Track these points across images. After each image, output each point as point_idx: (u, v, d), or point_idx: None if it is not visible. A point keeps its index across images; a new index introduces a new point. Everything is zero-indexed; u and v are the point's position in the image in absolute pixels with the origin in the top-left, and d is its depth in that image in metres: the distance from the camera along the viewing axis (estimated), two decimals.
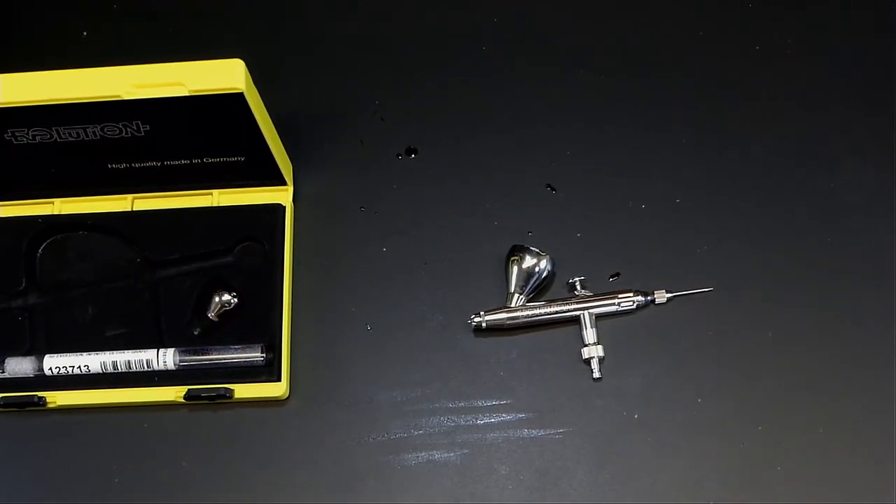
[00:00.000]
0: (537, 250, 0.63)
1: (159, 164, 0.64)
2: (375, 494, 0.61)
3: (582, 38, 0.71)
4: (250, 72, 0.56)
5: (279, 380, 0.62)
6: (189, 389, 0.62)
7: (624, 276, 0.65)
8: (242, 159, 0.63)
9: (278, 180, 0.66)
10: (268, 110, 0.60)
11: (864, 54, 0.70)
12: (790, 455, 0.60)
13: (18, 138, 0.60)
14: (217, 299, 0.64)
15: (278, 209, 0.66)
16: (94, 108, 0.57)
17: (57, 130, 0.59)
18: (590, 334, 0.63)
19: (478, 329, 0.64)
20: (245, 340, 0.63)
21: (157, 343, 0.63)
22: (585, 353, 0.63)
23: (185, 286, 0.64)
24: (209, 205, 0.66)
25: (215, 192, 0.67)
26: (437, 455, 0.62)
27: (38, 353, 0.63)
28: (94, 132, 0.59)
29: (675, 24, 0.71)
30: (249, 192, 0.67)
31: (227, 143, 0.62)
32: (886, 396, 0.61)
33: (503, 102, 0.70)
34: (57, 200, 0.67)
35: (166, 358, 0.62)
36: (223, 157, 0.63)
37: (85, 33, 0.73)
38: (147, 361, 0.62)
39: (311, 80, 0.71)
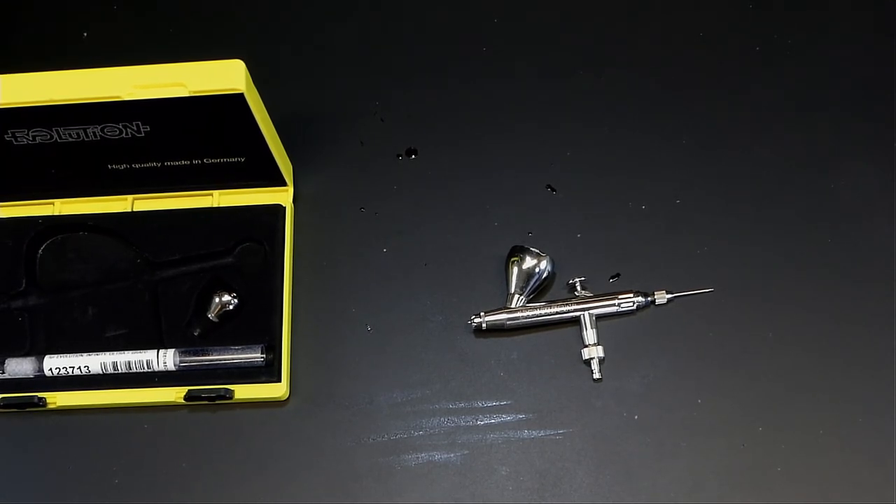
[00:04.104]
0: (537, 251, 0.63)
1: (159, 164, 0.64)
2: (375, 495, 0.61)
3: (582, 38, 0.71)
4: (250, 72, 0.56)
5: (279, 380, 0.62)
6: (189, 390, 0.62)
7: (624, 276, 0.65)
8: (242, 160, 0.63)
9: (278, 181, 0.66)
10: (268, 111, 0.60)
11: (864, 54, 0.70)
12: (790, 455, 0.60)
13: (18, 139, 0.60)
14: (217, 300, 0.64)
15: (278, 210, 0.66)
16: (94, 109, 0.57)
17: (57, 131, 0.59)
18: (590, 335, 0.63)
19: (478, 330, 0.64)
20: (245, 341, 0.63)
21: (158, 344, 0.63)
22: (585, 353, 0.63)
23: (185, 287, 0.64)
24: (209, 205, 0.66)
25: (215, 192, 0.67)
26: (437, 456, 0.62)
27: (39, 353, 0.63)
28: (94, 133, 0.59)
29: (675, 24, 0.71)
30: (249, 192, 0.67)
31: (227, 143, 0.62)
32: (886, 397, 0.61)
33: (503, 102, 0.70)
34: (57, 201, 0.67)
35: (166, 358, 0.63)
36: (223, 158, 0.63)
37: (85, 34, 0.73)
38: (147, 362, 0.62)
39: (310, 80, 0.71)
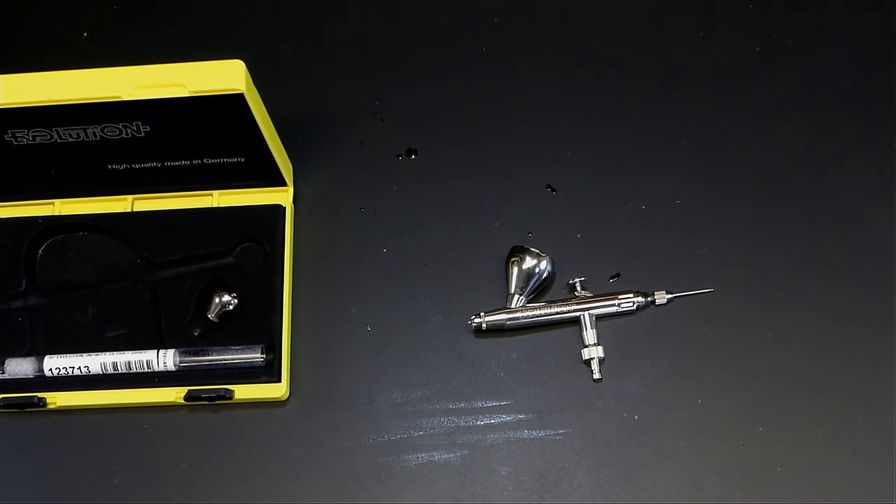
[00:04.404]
0: (537, 251, 0.63)
1: (159, 164, 0.64)
2: (375, 495, 0.61)
3: (582, 38, 0.71)
4: (250, 72, 0.56)
5: (279, 381, 0.62)
6: (189, 390, 0.62)
7: (624, 276, 0.65)
8: (242, 160, 0.63)
9: (278, 181, 0.66)
10: (268, 111, 0.60)
11: (865, 54, 0.70)
12: (790, 455, 0.60)
13: (19, 139, 0.60)
14: (217, 300, 0.64)
15: (278, 210, 0.66)
16: (94, 109, 0.57)
17: (57, 131, 0.59)
18: (590, 335, 0.63)
19: (478, 330, 0.64)
20: (245, 341, 0.63)
21: (158, 344, 0.63)
22: (585, 353, 0.63)
23: (185, 287, 0.64)
24: (209, 206, 0.66)
25: (215, 192, 0.67)
26: (437, 456, 0.62)
27: (39, 353, 0.63)
28: (94, 133, 0.59)
29: (676, 24, 0.71)
30: (249, 192, 0.67)
31: (227, 143, 0.62)
32: (886, 396, 0.61)
33: (503, 103, 0.70)
34: (57, 201, 0.67)
35: (166, 359, 0.63)
36: (223, 158, 0.63)
37: (85, 34, 0.73)
38: (147, 362, 0.62)
39: (310, 80, 0.71)
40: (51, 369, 0.63)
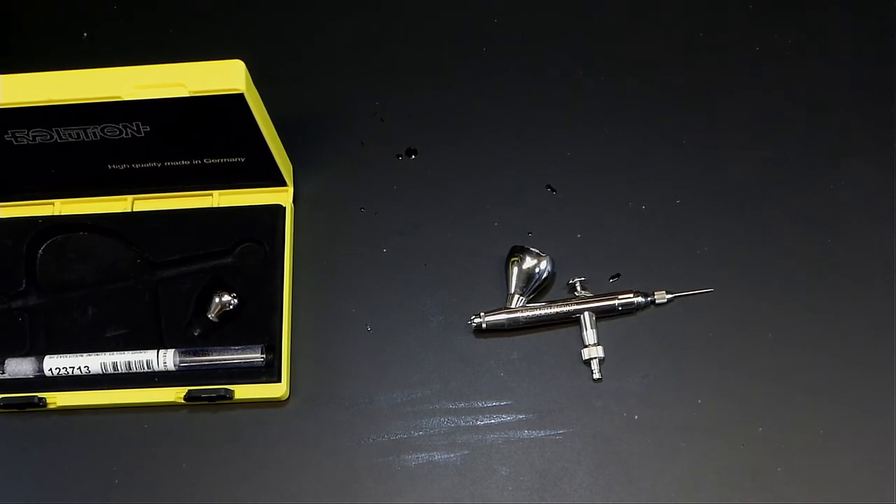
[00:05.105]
0: (537, 251, 0.63)
1: (159, 164, 0.64)
2: (375, 495, 0.61)
3: (582, 38, 0.71)
4: (250, 72, 0.56)
5: (279, 380, 0.62)
6: (189, 390, 0.62)
7: (624, 276, 0.65)
8: (242, 160, 0.63)
9: (278, 181, 0.66)
10: (268, 111, 0.60)
11: (864, 54, 0.70)
12: (790, 456, 0.60)
13: (18, 139, 0.60)
14: (217, 300, 0.64)
15: (278, 210, 0.66)
16: (94, 109, 0.57)
17: (57, 131, 0.59)
18: (590, 335, 0.63)
19: (478, 330, 0.64)
20: (245, 341, 0.63)
21: (158, 344, 0.63)
22: (585, 353, 0.63)
23: (185, 287, 0.64)
24: (209, 206, 0.66)
25: (215, 192, 0.67)
26: (437, 456, 0.62)
27: (39, 353, 0.63)
28: (94, 133, 0.59)
29: (675, 24, 0.71)
30: (249, 192, 0.67)
31: (227, 143, 0.62)
32: (886, 396, 0.61)
33: (503, 103, 0.70)
34: (57, 201, 0.67)
35: (166, 359, 0.63)
36: (223, 158, 0.63)
37: (85, 34, 0.73)
38: (147, 362, 0.62)
39: (310, 80, 0.71)
40: (51, 369, 0.63)
